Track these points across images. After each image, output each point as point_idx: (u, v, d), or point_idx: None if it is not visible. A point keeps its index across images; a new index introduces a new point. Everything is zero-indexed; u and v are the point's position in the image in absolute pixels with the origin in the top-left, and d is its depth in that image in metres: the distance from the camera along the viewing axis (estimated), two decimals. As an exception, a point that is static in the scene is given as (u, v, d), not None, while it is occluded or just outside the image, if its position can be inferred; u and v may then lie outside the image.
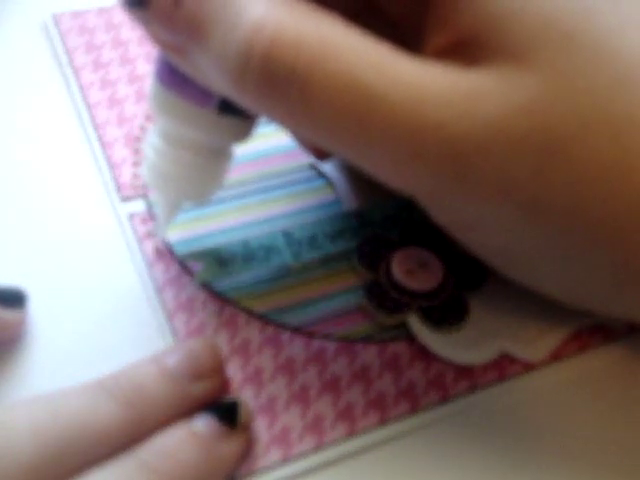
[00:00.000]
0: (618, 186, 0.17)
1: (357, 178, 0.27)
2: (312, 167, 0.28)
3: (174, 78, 0.20)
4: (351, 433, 0.21)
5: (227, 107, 0.20)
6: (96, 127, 0.28)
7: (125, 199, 0.26)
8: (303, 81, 0.17)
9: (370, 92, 0.17)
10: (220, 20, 0.17)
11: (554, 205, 0.18)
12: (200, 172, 0.22)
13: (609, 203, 0.18)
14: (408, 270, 0.24)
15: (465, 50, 0.18)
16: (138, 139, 0.28)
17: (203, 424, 0.20)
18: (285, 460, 0.21)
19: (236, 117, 0.20)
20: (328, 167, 0.28)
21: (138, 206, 0.26)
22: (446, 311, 0.23)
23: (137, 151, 0.28)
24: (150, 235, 0.25)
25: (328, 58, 0.17)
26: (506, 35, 0.17)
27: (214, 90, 0.19)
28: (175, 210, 0.23)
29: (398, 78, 0.17)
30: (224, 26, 0.17)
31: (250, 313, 0.24)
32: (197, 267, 0.24)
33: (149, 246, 0.25)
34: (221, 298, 0.24)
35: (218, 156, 0.22)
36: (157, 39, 0.19)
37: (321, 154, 0.26)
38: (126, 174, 0.27)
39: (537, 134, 0.17)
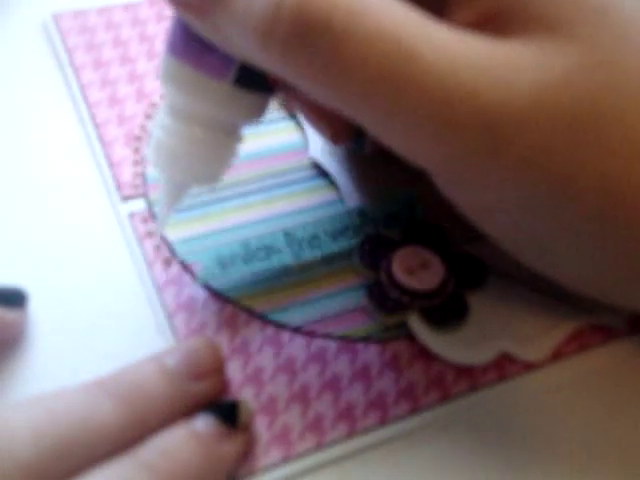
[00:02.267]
0: None
1: (359, 176, 0.27)
2: (313, 166, 0.28)
3: (189, 49, 0.19)
4: (351, 433, 0.21)
5: (244, 81, 0.19)
6: (96, 126, 0.28)
7: (125, 198, 0.26)
8: (338, 34, 0.16)
9: (408, 54, 0.16)
10: None
11: (585, 184, 0.17)
12: (210, 151, 0.21)
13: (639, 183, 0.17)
14: (409, 270, 0.24)
15: (496, 23, 0.17)
16: (138, 138, 0.28)
17: (203, 424, 0.20)
18: (285, 459, 0.21)
19: (252, 92, 0.20)
20: (330, 165, 0.28)
21: (138, 205, 0.26)
22: (446, 311, 0.23)
23: (137, 150, 0.28)
24: (150, 234, 0.25)
25: (368, 12, 0.16)
26: (541, 7, 0.17)
27: (234, 55, 0.19)
28: (180, 195, 0.22)
29: (436, 43, 0.17)
30: None
31: (250, 313, 0.24)
32: (197, 267, 0.24)
33: (149, 245, 0.25)
34: (221, 298, 0.24)
35: (229, 135, 0.21)
36: (178, 1, 0.18)
37: (336, 137, 0.25)
38: (126, 173, 0.27)
39: (573, 107, 0.17)
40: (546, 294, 0.24)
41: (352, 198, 0.27)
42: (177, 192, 0.22)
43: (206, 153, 0.21)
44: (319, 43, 0.16)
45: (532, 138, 0.17)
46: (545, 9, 0.17)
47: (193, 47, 0.19)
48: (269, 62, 0.17)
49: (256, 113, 0.21)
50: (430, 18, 0.17)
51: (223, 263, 0.24)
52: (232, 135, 0.22)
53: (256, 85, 0.20)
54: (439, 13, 0.19)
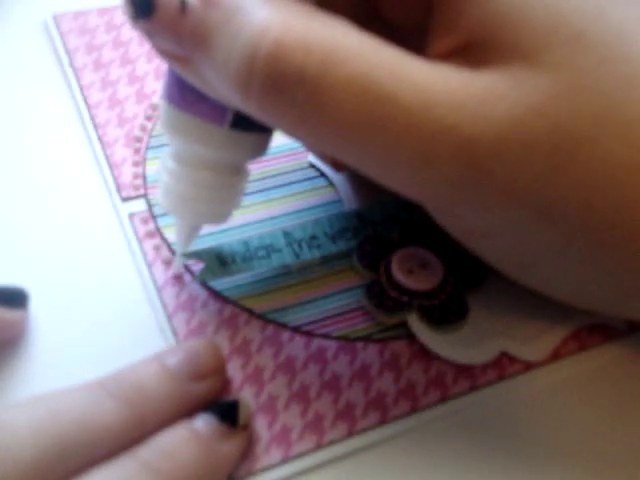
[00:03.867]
0: (629, 186, 0.17)
1: (358, 178, 0.27)
2: (312, 166, 0.28)
3: (185, 97, 0.19)
4: (351, 432, 0.21)
5: (241, 123, 0.20)
6: (96, 127, 0.28)
7: (126, 199, 0.26)
8: (313, 83, 0.17)
9: (384, 95, 0.17)
10: (226, 27, 0.17)
11: (568, 207, 0.18)
12: (218, 192, 0.21)
13: (621, 204, 0.18)
14: (408, 270, 0.24)
15: (473, 51, 0.18)
16: (139, 139, 0.28)
17: (204, 424, 0.20)
18: (285, 459, 0.21)
19: (251, 132, 0.20)
20: (328, 169, 0.28)
21: (138, 206, 0.26)
22: (446, 311, 0.23)
23: (137, 151, 0.28)
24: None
25: (341, 59, 0.17)
26: (516, 35, 0.17)
27: (224, 103, 0.19)
28: (193, 234, 0.23)
29: (412, 81, 0.17)
30: (229, 33, 0.17)
31: (250, 313, 0.24)
32: (198, 266, 0.24)
33: (149, 246, 0.25)
34: (221, 298, 0.24)
35: (235, 174, 0.22)
36: (161, 50, 0.19)
37: (339, 166, 0.26)
38: (126, 174, 0.27)
39: (550, 135, 0.17)
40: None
41: (351, 201, 0.27)
42: (190, 232, 0.23)
43: (214, 194, 0.21)
44: (294, 93, 0.17)
45: (511, 167, 0.17)
46: (520, 36, 0.17)
47: (188, 95, 0.19)
48: (251, 110, 0.18)
49: (259, 151, 0.21)
50: (407, 54, 0.17)
51: (223, 263, 0.24)
52: (238, 174, 0.22)
53: (255, 125, 0.20)
54: (419, 45, 0.19)
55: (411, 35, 0.21)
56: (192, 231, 0.23)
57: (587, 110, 0.17)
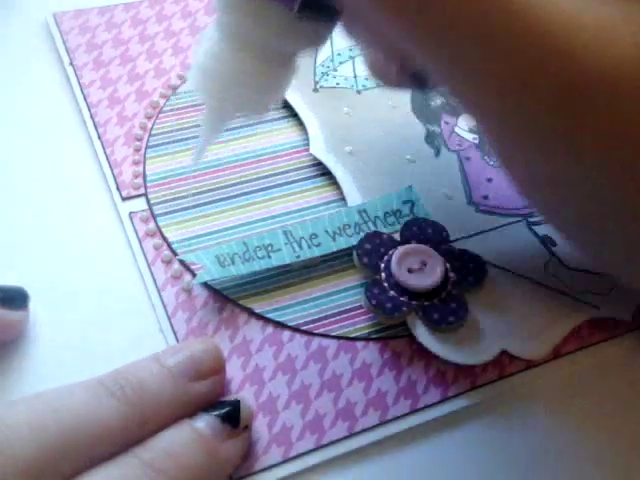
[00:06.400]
0: None
1: (360, 175, 0.27)
2: (313, 165, 0.28)
3: None
4: (351, 432, 0.21)
5: (309, 8, 0.18)
6: (97, 126, 0.28)
7: (126, 198, 0.26)
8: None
9: (503, 7, 0.14)
10: None
11: None
12: (261, 80, 0.20)
13: None
14: (408, 269, 0.24)
15: None
16: (139, 138, 0.28)
17: (205, 424, 0.20)
18: (285, 458, 0.21)
19: (315, 20, 0.19)
20: (332, 164, 0.27)
21: (139, 205, 0.26)
22: (446, 311, 0.23)
23: (138, 150, 0.28)
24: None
25: None
26: None
27: None
28: (222, 125, 0.21)
29: None
30: None
31: (250, 312, 0.24)
32: (197, 266, 0.24)
33: (150, 245, 0.25)
34: (221, 297, 0.24)
35: (284, 64, 0.20)
36: None
37: (396, 80, 0.23)
38: (127, 173, 0.27)
39: None
40: (548, 287, 0.24)
41: (352, 195, 0.27)
42: (219, 121, 0.21)
43: (257, 82, 0.20)
44: None
45: (628, 107, 0.15)
46: None
47: None
48: None
49: (318, 41, 0.20)
50: None
51: (223, 262, 0.24)
52: (287, 64, 0.20)
53: (320, 12, 0.19)
54: None
55: None
56: (222, 120, 0.21)
57: None
